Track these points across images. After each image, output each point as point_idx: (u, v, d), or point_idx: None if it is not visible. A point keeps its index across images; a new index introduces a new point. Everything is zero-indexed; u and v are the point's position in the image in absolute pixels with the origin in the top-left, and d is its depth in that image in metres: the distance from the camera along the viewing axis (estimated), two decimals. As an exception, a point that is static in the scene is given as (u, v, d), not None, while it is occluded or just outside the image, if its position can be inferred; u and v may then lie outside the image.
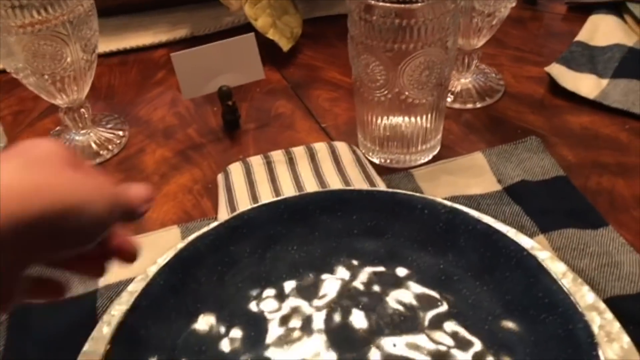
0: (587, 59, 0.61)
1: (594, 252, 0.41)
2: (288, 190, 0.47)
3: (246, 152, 0.54)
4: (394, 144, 0.50)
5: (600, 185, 0.47)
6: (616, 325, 0.35)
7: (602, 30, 0.65)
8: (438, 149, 0.52)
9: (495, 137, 0.53)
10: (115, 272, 0.42)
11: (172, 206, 0.49)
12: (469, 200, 0.46)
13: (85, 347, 0.36)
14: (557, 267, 0.38)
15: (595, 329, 0.35)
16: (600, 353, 0.31)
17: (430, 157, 0.51)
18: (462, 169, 0.50)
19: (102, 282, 0.42)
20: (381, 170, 0.50)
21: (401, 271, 0.39)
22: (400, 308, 0.37)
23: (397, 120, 0.49)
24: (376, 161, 0.52)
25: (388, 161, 0.51)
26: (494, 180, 0.48)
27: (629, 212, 0.45)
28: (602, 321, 0.35)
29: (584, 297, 0.36)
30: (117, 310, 0.37)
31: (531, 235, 0.43)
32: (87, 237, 0.27)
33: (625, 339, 0.34)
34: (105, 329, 0.36)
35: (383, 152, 0.51)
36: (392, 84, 0.45)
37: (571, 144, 0.52)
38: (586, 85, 0.57)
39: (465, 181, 0.48)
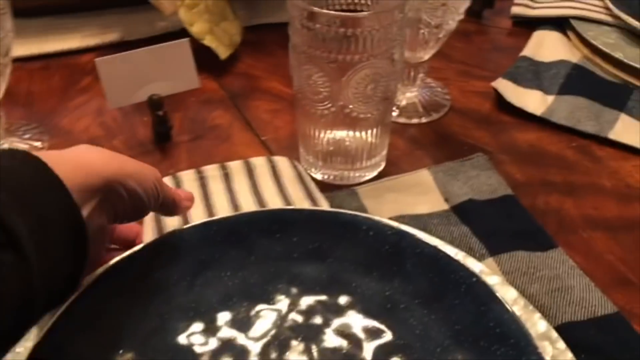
0: (533, 74, 0.60)
1: (544, 276, 0.39)
2: (222, 209, 0.44)
3: (178, 167, 0.50)
4: (338, 160, 0.48)
5: (548, 205, 0.46)
6: (568, 355, 0.33)
7: (547, 46, 0.65)
8: (383, 165, 0.50)
9: (442, 153, 0.51)
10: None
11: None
12: (416, 220, 0.44)
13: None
14: (508, 293, 0.36)
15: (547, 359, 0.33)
16: None
17: (376, 173, 0.49)
18: (408, 187, 0.47)
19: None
20: (324, 187, 0.47)
21: (344, 299, 0.36)
22: (343, 341, 0.34)
23: (341, 134, 0.47)
24: (319, 177, 0.49)
25: (331, 177, 0.48)
26: (440, 199, 0.46)
27: (577, 233, 0.44)
28: (554, 351, 0.33)
29: (536, 325, 0.34)
30: (22, 347, 0.32)
31: (480, 258, 0.41)
32: (142, 203, 0.33)
33: (579, 370, 0.32)
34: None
35: (326, 167, 0.48)
36: (336, 96, 0.43)
37: (518, 162, 0.50)
38: (532, 101, 0.56)
39: (411, 199, 0.46)
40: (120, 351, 0.32)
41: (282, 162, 0.48)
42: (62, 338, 0.31)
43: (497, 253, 0.41)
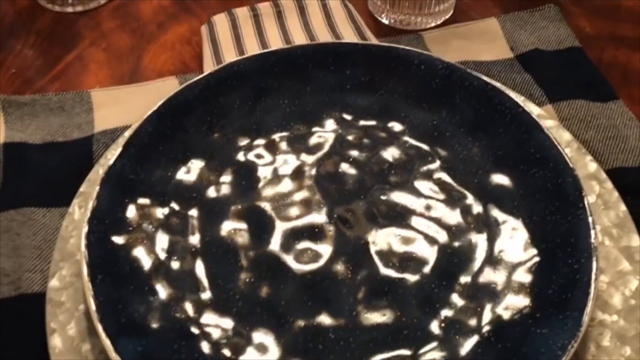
0: None
1: (601, 125, 0.40)
2: (276, 45, 0.45)
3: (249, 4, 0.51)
4: (406, 4, 0.48)
5: (615, 59, 0.46)
6: (614, 195, 0.35)
7: None
8: (451, 12, 0.49)
9: (512, 3, 0.50)
10: (111, 119, 0.42)
11: (170, 56, 0.47)
12: (479, 66, 0.44)
13: (82, 188, 0.36)
14: (562, 136, 0.37)
15: (593, 197, 0.35)
16: (586, 204, 0.31)
17: (443, 19, 0.49)
18: (475, 34, 0.47)
19: (98, 128, 0.42)
20: (390, 31, 0.48)
21: (394, 126, 0.38)
22: (391, 161, 0.36)
23: (410, -22, 0.46)
24: (385, 21, 0.49)
25: (398, 22, 0.49)
26: (506, 48, 0.46)
27: (642, 87, 0.44)
28: (601, 190, 0.35)
29: (586, 166, 0.36)
30: (112, 155, 0.37)
31: (539, 105, 0.42)
32: None
33: (622, 208, 0.34)
34: (101, 172, 0.36)
35: (393, 11, 0.48)
36: None
37: (590, 15, 0.49)
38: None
39: (477, 47, 0.46)
40: (191, 162, 0.36)
41: (334, 4, 0.49)
42: (139, 149, 0.35)
43: (557, 100, 0.41)
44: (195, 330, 0.29)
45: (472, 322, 0.29)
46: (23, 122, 0.42)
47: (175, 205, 0.34)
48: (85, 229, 0.31)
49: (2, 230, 0.35)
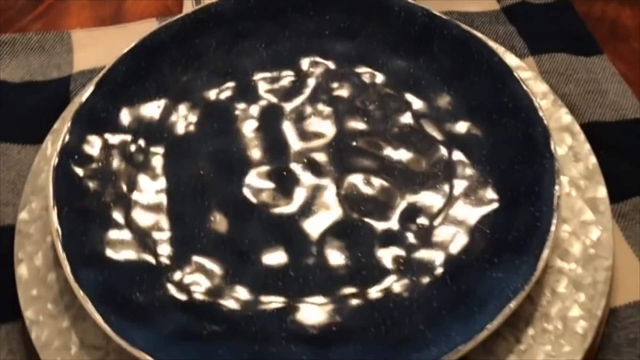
0: None
1: (581, 79, 0.40)
2: None
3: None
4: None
5: (604, 13, 0.45)
6: (586, 147, 0.34)
7: None
8: (440, -38, 0.48)
9: (504, -46, 0.49)
10: (90, 60, 0.42)
11: (153, 0, 0.47)
12: (463, 17, 0.43)
13: (55, 126, 0.36)
14: (539, 88, 0.37)
15: (564, 149, 0.35)
16: (554, 153, 0.30)
17: (430, -31, 0.48)
18: (462, -15, 0.46)
19: (77, 68, 0.42)
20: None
21: (370, 73, 0.38)
22: (365, 108, 0.36)
23: None
24: (372, -30, 0.48)
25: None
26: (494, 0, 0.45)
27: (628, 42, 0.43)
28: (573, 142, 0.35)
29: (561, 118, 0.36)
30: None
31: (520, 57, 0.41)
32: None
33: (592, 160, 0.34)
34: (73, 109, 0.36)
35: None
36: None
37: (583, -32, 0.48)
38: None
39: (463, -2, 0.46)
40: (165, 102, 0.36)
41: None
42: (112, 87, 0.35)
43: (539, 53, 0.41)
44: (157, 264, 0.30)
45: (430, 264, 0.30)
46: (2, 60, 0.42)
47: (145, 144, 0.34)
48: (53, 163, 0.31)
49: (-23, 165, 0.36)
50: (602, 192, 0.32)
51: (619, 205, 0.34)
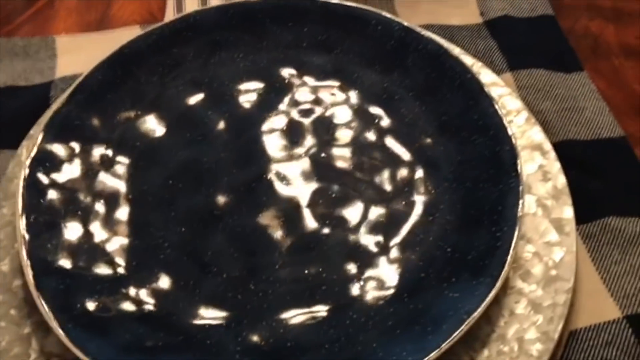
0: None
1: (559, 95, 0.40)
2: None
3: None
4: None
5: (587, 30, 0.44)
6: (556, 166, 0.34)
7: None
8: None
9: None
10: (73, 65, 0.42)
11: (138, 7, 0.47)
12: (444, 30, 0.43)
13: (31, 132, 0.37)
14: (514, 105, 0.37)
15: (534, 167, 0.35)
16: (519, 173, 0.30)
17: (415, -19, 0.48)
18: (446, -2, 0.46)
19: (59, 74, 0.42)
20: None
21: (345, 86, 0.38)
22: (337, 122, 0.36)
23: None
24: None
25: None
26: (476, 12, 0.45)
27: (609, 59, 0.43)
28: (543, 160, 0.35)
29: (533, 136, 0.36)
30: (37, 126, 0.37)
31: (498, 72, 0.41)
32: None
33: (562, 180, 0.33)
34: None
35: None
36: None
37: (569, -18, 0.48)
38: None
39: (446, 10, 0.45)
40: (139, 112, 0.36)
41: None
42: (87, 95, 0.35)
43: (517, 68, 0.41)
44: (118, 274, 0.30)
45: (390, 282, 0.30)
46: (-14, 65, 0.42)
47: (117, 153, 0.35)
48: (24, 171, 0.32)
49: (-46, 169, 0.37)
50: (568, 212, 0.32)
51: (587, 225, 0.34)
